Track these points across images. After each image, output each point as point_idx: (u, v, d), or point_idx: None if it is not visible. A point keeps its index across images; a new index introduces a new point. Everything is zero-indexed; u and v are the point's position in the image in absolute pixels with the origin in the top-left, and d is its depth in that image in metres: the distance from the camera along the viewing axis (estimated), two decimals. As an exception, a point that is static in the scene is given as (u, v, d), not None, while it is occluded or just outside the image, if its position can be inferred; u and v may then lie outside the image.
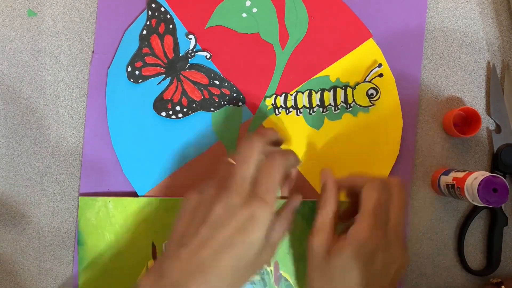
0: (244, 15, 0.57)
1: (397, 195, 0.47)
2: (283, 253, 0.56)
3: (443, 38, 0.59)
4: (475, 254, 0.58)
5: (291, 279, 0.56)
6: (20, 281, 0.57)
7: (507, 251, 0.57)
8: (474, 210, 0.57)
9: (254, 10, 0.57)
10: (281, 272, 0.56)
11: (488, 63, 0.58)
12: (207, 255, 0.40)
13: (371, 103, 0.57)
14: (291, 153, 0.48)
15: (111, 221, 0.56)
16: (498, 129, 0.57)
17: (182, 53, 0.57)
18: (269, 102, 0.57)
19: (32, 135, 0.58)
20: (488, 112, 0.58)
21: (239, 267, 0.41)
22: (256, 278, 0.55)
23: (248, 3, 0.57)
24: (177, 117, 0.57)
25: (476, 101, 0.58)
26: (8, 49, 0.58)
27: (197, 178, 0.57)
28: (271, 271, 0.56)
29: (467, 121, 0.57)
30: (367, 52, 0.57)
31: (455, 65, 0.59)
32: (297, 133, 0.57)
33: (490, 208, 0.57)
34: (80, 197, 0.56)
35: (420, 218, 0.57)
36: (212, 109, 0.57)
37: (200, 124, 0.57)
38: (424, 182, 0.58)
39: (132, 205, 0.56)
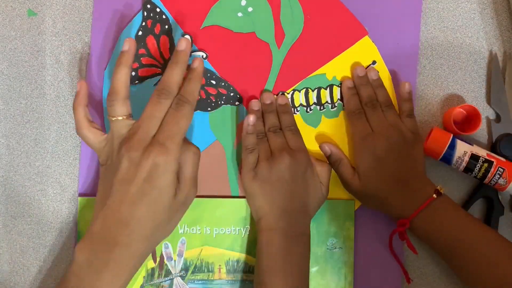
0: (239, 14, 0.57)
1: None
2: None
3: (443, 38, 0.59)
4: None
5: None
6: (20, 281, 0.58)
7: None
8: (470, 200, 0.57)
9: (250, 9, 0.57)
10: None
11: (491, 52, 0.58)
12: (125, 209, 0.44)
13: None
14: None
15: None
16: (498, 118, 0.58)
17: None
18: None
19: (32, 135, 0.58)
20: (489, 101, 0.58)
21: (157, 212, 0.45)
22: None
23: (243, 3, 0.57)
24: None
25: (476, 100, 0.58)
26: (8, 49, 0.58)
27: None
28: None
29: (467, 119, 0.57)
30: (363, 50, 0.58)
31: (455, 65, 0.59)
32: None
33: (487, 197, 0.57)
34: (79, 198, 0.56)
35: None
36: (209, 109, 0.57)
37: (198, 124, 0.57)
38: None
39: None
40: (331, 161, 0.56)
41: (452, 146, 0.54)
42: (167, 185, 0.45)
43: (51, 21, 0.58)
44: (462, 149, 0.54)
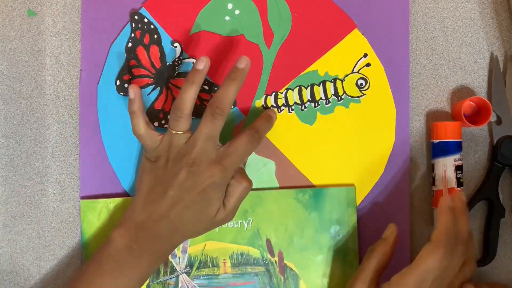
0: (227, 18, 0.57)
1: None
2: (287, 243, 0.56)
3: (443, 38, 0.59)
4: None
5: (296, 269, 0.56)
6: (20, 281, 0.58)
7: (503, 243, 0.57)
8: (471, 201, 0.57)
9: (237, 12, 0.57)
10: (285, 262, 0.56)
11: (492, 54, 0.58)
12: (176, 212, 0.48)
13: (362, 93, 0.57)
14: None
15: (113, 222, 0.56)
16: (498, 120, 0.57)
17: (169, 61, 0.57)
18: (259, 104, 0.57)
19: (32, 135, 0.58)
20: (490, 103, 0.58)
21: (199, 219, 0.49)
22: (261, 269, 0.56)
23: (230, 6, 0.57)
24: None
25: (476, 101, 0.59)
26: (8, 49, 0.58)
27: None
28: (275, 261, 0.56)
29: (475, 112, 0.57)
30: (353, 43, 0.58)
31: (455, 65, 0.59)
32: (291, 130, 0.57)
33: (488, 199, 0.57)
34: (81, 200, 0.56)
35: (416, 208, 0.58)
36: None
37: (195, 130, 0.57)
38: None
39: None
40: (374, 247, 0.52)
41: (449, 145, 0.55)
42: (216, 199, 0.49)
43: (51, 21, 0.58)
44: (441, 164, 0.55)
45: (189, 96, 0.49)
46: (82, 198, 0.57)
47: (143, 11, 0.57)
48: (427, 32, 0.59)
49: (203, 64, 0.50)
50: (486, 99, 0.55)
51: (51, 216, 0.58)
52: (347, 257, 0.56)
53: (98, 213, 0.56)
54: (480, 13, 0.59)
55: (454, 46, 0.59)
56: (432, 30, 0.59)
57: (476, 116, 0.57)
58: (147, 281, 0.55)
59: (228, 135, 0.57)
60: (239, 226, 0.56)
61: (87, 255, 0.56)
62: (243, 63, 0.50)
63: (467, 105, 0.57)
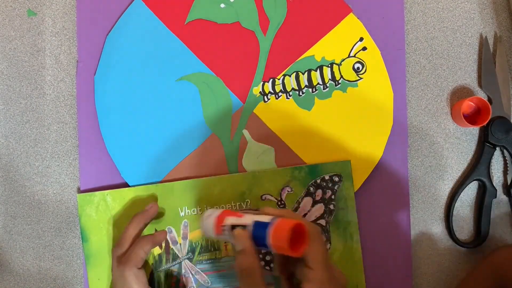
0: (222, 5, 0.58)
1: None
2: None
3: (443, 38, 0.59)
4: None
5: None
6: (20, 281, 0.58)
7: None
8: (463, 183, 0.57)
9: None
10: None
11: (481, 35, 0.58)
12: None
13: (359, 77, 0.57)
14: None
15: (111, 214, 0.56)
16: (489, 101, 0.58)
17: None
18: (256, 91, 0.57)
19: (32, 135, 0.58)
20: (480, 84, 0.58)
21: None
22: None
23: None
24: None
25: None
26: (8, 49, 0.58)
27: (196, 172, 0.57)
28: None
29: (475, 111, 0.57)
30: (349, 27, 0.58)
31: (455, 65, 0.59)
32: (289, 116, 0.58)
33: (480, 180, 0.57)
34: (78, 194, 0.56)
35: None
36: None
37: (193, 119, 0.57)
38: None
39: (129, 195, 0.56)
40: None
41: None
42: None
43: (51, 21, 0.58)
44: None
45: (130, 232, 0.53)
46: (83, 191, 0.57)
47: (138, 1, 0.57)
48: (427, 32, 0.59)
49: (150, 206, 0.55)
50: (485, 99, 0.55)
51: (51, 216, 0.58)
52: (347, 230, 0.56)
53: (96, 206, 0.56)
54: (480, 13, 0.59)
55: (454, 46, 0.59)
56: (432, 30, 0.59)
57: (476, 116, 0.57)
58: (151, 270, 0.56)
59: (226, 123, 0.57)
60: (237, 208, 0.56)
61: (87, 249, 0.56)
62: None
63: (467, 105, 0.57)
